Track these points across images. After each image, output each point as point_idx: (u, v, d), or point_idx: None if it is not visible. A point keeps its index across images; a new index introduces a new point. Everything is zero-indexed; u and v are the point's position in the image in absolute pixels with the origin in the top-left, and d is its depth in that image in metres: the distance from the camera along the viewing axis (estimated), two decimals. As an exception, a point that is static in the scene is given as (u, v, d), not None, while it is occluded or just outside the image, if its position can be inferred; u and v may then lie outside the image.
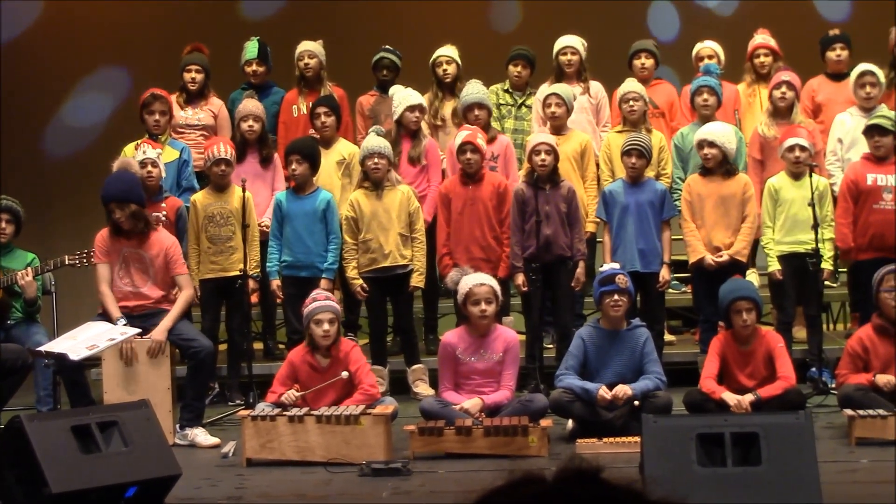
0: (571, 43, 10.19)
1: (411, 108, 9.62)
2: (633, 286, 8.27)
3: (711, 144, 9.01)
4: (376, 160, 9.10)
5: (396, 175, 9.31)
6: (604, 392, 7.76)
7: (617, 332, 8.04)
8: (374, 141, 9.19)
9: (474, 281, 8.02)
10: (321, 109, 9.71)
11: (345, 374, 7.73)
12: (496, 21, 12.92)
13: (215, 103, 10.22)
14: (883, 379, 7.84)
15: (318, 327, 7.81)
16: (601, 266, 8.48)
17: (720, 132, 9.09)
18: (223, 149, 9.14)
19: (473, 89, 9.71)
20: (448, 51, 10.29)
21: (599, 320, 8.19)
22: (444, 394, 7.97)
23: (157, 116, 9.50)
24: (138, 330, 8.08)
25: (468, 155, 9.10)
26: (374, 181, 9.17)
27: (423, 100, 9.76)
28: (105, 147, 10.44)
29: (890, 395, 7.77)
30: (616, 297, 7.99)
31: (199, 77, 10.16)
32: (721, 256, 9.01)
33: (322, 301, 7.92)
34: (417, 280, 9.21)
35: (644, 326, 8.14)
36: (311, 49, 10.32)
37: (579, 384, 7.87)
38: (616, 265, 8.33)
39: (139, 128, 9.58)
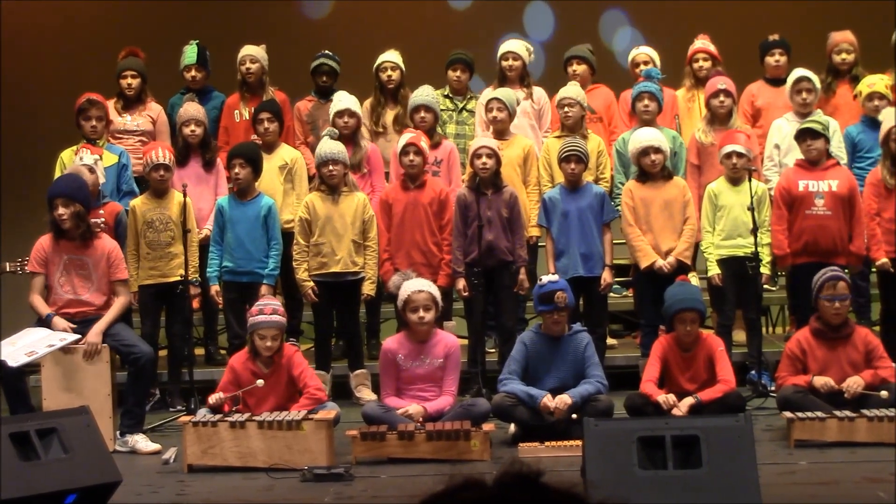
0: (514, 48, 10.19)
1: (339, 114, 9.56)
2: (576, 291, 8.29)
3: (658, 150, 9.06)
4: (331, 167, 9.03)
5: (353, 181, 9.28)
6: (547, 400, 7.78)
7: (559, 338, 8.06)
8: (329, 146, 9.10)
9: (413, 287, 8.01)
10: (264, 115, 9.65)
11: (260, 382, 7.69)
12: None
13: (154, 108, 10.10)
14: (820, 381, 7.92)
15: (262, 342, 7.78)
16: (543, 274, 8.48)
17: (662, 138, 9.16)
18: (161, 154, 9.06)
19: (422, 92, 9.69)
20: (392, 56, 10.23)
21: (541, 325, 8.21)
22: (386, 400, 7.96)
23: (93, 122, 9.39)
24: (78, 336, 8.01)
25: (411, 157, 9.08)
26: (330, 187, 9.14)
27: (353, 104, 9.66)
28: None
29: (827, 397, 7.85)
30: (556, 315, 8.01)
31: (136, 82, 10.02)
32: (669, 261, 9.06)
33: (268, 316, 7.83)
34: (369, 288, 9.16)
35: (585, 331, 8.17)
36: (253, 53, 10.26)
37: (523, 389, 7.88)
38: (555, 277, 8.29)
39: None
